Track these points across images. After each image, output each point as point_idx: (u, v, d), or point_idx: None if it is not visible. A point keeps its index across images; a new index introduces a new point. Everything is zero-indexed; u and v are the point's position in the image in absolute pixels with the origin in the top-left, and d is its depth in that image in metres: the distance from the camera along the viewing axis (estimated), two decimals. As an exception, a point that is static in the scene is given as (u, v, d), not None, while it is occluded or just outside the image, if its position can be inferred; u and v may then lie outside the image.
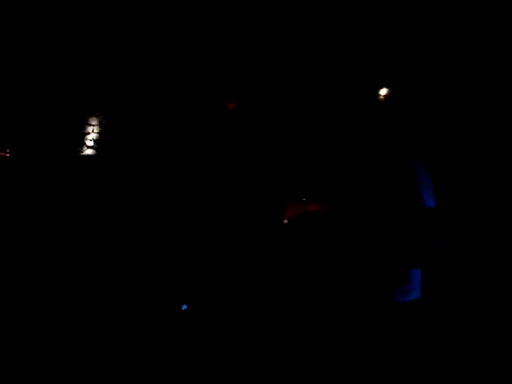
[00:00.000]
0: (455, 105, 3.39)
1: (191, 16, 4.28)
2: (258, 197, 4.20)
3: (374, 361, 1.82)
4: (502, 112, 3.23)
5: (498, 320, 2.87)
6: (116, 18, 4.25)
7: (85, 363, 2.73)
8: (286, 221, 4.22)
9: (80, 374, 2.60)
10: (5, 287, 3.44)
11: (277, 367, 2.71)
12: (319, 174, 4.13)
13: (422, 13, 3.62)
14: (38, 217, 3.79)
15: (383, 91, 3.69)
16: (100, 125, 4.21)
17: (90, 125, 4.19)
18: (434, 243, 1.68)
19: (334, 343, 2.88)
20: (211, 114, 4.36)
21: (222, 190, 4.22)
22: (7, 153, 3.79)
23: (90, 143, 4.17)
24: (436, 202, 1.86)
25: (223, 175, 4.24)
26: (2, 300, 3.36)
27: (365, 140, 3.84)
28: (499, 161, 3.14)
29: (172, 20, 4.29)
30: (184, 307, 3.94)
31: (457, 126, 3.35)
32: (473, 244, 3.08)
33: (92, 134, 4.18)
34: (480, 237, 3.05)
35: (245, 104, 4.26)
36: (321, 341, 2.98)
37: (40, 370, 2.62)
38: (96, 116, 4.21)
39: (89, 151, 4.12)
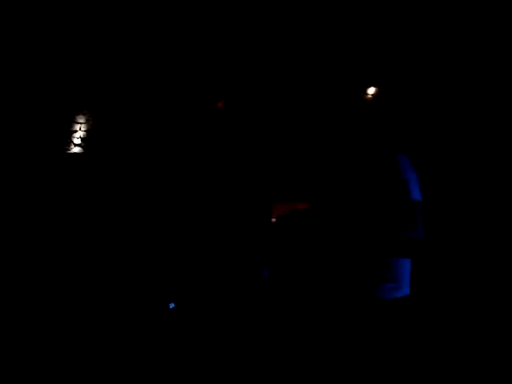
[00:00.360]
0: (439, 101, 3.17)
1: (181, 12, 4.08)
2: (245, 195, 4.05)
3: (364, 359, 1.79)
4: (486, 106, 3.00)
5: (489, 315, 2.76)
6: (103, 16, 4.14)
7: (80, 361, 2.82)
8: (273, 219, 4.04)
9: (77, 373, 2.69)
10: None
11: (265, 369, 2.69)
12: (307, 173, 3.89)
13: (410, 10, 3.26)
14: (25, 216, 3.89)
15: (371, 90, 3.42)
16: (87, 123, 4.18)
17: (78, 123, 4.18)
18: (421, 235, 1.62)
19: (324, 343, 2.83)
20: (200, 112, 4.21)
21: (209, 188, 4.11)
22: None
23: (77, 141, 4.16)
24: (423, 196, 1.80)
25: (211, 173, 4.11)
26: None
27: (352, 137, 3.56)
28: (485, 154, 2.92)
29: (160, 15, 4.12)
30: (172, 306, 3.95)
31: (442, 121, 3.15)
32: (462, 238, 2.88)
33: (79, 132, 4.17)
34: (469, 231, 2.85)
35: (233, 102, 4.07)
36: (310, 342, 2.94)
37: (40, 369, 2.74)
38: (83, 114, 4.18)
39: (76, 149, 4.13)
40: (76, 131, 4.17)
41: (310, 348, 2.58)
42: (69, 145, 4.12)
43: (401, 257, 1.77)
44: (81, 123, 4.19)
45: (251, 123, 4.04)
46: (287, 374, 2.40)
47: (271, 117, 3.98)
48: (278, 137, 4.04)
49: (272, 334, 3.25)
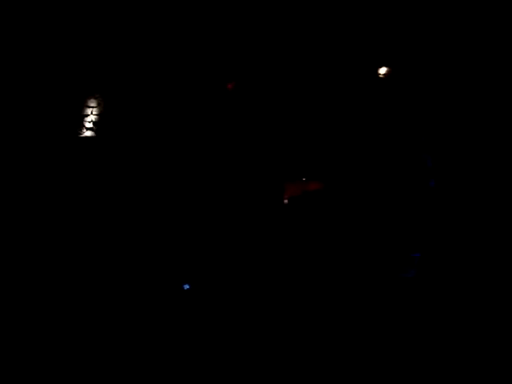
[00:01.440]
0: (451, 96, 3.15)
1: (188, 4, 4.04)
2: (257, 176, 4.05)
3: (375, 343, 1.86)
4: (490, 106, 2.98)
5: (494, 303, 2.77)
6: (112, 3, 4.11)
7: (84, 356, 2.87)
8: (286, 201, 4.05)
9: (79, 370, 2.73)
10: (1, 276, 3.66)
11: (281, 346, 2.73)
12: (319, 153, 3.88)
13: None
14: (38, 201, 3.93)
15: (382, 70, 3.38)
16: (99, 106, 4.19)
17: (89, 107, 4.19)
18: (433, 224, 1.70)
19: (338, 328, 2.89)
20: (211, 94, 4.19)
21: (221, 169, 4.12)
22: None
23: (89, 125, 4.18)
24: (436, 184, 1.85)
25: (222, 154, 4.11)
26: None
27: (364, 120, 3.55)
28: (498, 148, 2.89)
29: (169, 6, 4.08)
30: (186, 287, 3.99)
31: (455, 115, 3.14)
32: (470, 227, 2.88)
33: (91, 116, 4.18)
34: (477, 221, 2.85)
35: (244, 84, 4.05)
36: (324, 324, 2.99)
37: (40, 369, 2.78)
38: (95, 98, 4.18)
39: (88, 133, 4.15)
40: (88, 115, 4.17)
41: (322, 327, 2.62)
42: (81, 128, 4.13)
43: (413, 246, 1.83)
44: (92, 107, 4.19)
45: (263, 105, 4.02)
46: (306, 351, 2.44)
47: (284, 99, 3.96)
48: (290, 119, 4.02)
49: (287, 311, 3.29)
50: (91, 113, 4.20)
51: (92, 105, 4.20)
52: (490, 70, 3.23)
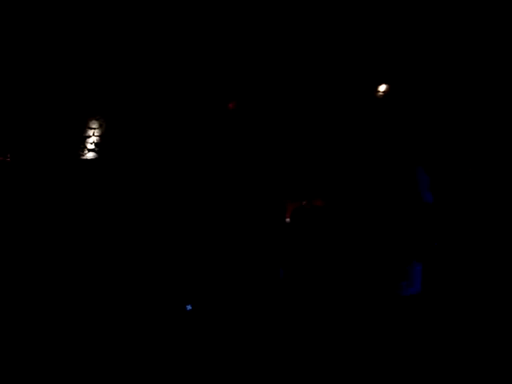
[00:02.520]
0: (450, 107, 3.21)
1: (190, 19, 4.11)
2: (260, 196, 4.06)
3: (377, 355, 1.83)
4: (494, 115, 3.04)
5: (498, 312, 2.76)
6: (116, 24, 4.18)
7: (86, 362, 2.82)
8: (288, 219, 4.06)
9: (81, 374, 2.69)
10: (7, 289, 3.63)
11: (280, 366, 2.70)
12: (319, 172, 3.91)
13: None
14: (40, 220, 3.92)
15: (382, 87, 3.44)
16: (101, 128, 4.22)
17: (91, 128, 4.22)
18: (434, 237, 1.69)
19: (338, 340, 2.85)
20: (213, 115, 4.23)
21: (223, 190, 4.13)
22: (8, 157, 3.92)
23: (91, 146, 4.20)
24: (435, 198, 1.85)
25: (225, 176, 4.13)
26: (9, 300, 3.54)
27: (365, 140, 3.59)
28: (497, 159, 2.93)
29: (171, 24, 4.15)
30: (189, 308, 3.96)
31: (453, 127, 3.18)
32: (471, 238, 2.89)
33: (93, 137, 4.21)
34: (478, 232, 2.86)
35: (246, 104, 4.09)
36: (325, 338, 2.96)
37: (40, 369, 2.74)
38: (96, 119, 4.22)
39: (90, 154, 4.17)
40: (90, 136, 4.20)
41: (323, 341, 2.60)
42: (83, 150, 4.16)
43: (415, 260, 1.83)
44: (94, 128, 4.22)
45: (266, 125, 4.05)
46: (301, 367, 2.42)
47: (286, 120, 4.00)
48: (293, 139, 4.06)
49: (288, 330, 3.26)
50: (93, 134, 4.23)
51: (94, 126, 4.23)
52: (484, 85, 3.28)
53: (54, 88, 4.18)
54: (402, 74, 3.54)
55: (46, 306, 3.45)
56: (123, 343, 3.07)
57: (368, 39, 3.66)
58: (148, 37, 4.26)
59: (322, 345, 2.92)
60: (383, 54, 3.64)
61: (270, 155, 4.01)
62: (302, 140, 3.99)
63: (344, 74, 3.82)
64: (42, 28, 4.11)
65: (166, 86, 4.29)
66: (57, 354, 2.85)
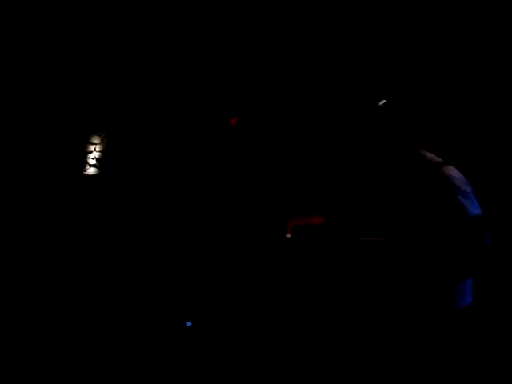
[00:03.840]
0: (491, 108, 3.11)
1: (191, 30, 4.14)
2: (261, 211, 4.05)
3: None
4: None
5: None
6: (117, 36, 4.21)
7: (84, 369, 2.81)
8: (289, 235, 4.04)
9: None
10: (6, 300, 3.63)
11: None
12: (321, 188, 3.89)
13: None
14: (41, 235, 3.93)
15: (381, 102, 3.40)
16: (102, 143, 4.23)
17: (92, 143, 4.23)
18: (487, 247, 1.58)
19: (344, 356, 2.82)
20: (214, 131, 4.24)
21: (224, 205, 4.12)
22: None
23: (92, 162, 4.21)
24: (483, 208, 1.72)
25: (226, 191, 4.13)
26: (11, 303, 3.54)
27: (364, 155, 3.56)
28: None
29: (173, 35, 4.18)
30: (189, 324, 3.94)
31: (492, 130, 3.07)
32: None
33: (94, 153, 4.22)
34: None
35: (247, 119, 4.10)
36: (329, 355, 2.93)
37: (40, 369, 2.73)
38: (98, 134, 4.23)
39: (92, 170, 4.18)
40: (91, 152, 4.22)
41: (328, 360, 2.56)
42: (84, 166, 4.17)
43: (467, 276, 1.72)
44: (96, 144, 4.24)
45: (267, 140, 4.05)
46: None
47: (287, 134, 3.99)
48: (292, 153, 4.05)
49: (289, 344, 3.23)
50: (94, 149, 4.25)
51: (95, 141, 4.25)
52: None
53: (55, 103, 4.21)
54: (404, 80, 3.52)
55: (37, 316, 3.45)
56: (120, 357, 3.05)
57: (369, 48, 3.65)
58: (150, 53, 4.29)
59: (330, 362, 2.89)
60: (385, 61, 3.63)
61: (272, 170, 4.00)
62: (305, 155, 3.98)
63: (346, 87, 3.82)
64: (43, 43, 4.14)
65: (168, 102, 4.31)
66: (50, 357, 2.84)
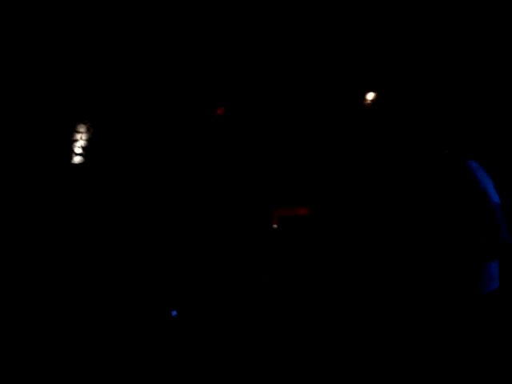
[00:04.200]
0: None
1: (179, 24, 4.13)
2: (246, 201, 4.09)
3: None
4: None
5: None
6: (102, 27, 4.17)
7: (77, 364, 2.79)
8: (275, 225, 4.10)
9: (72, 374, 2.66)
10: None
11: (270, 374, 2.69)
12: (307, 180, 3.95)
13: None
14: (26, 224, 3.88)
15: (370, 96, 3.48)
16: (88, 132, 4.20)
17: (79, 132, 4.20)
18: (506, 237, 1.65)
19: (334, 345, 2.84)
20: (200, 120, 4.24)
21: (210, 196, 4.14)
22: None
23: (78, 151, 4.18)
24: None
25: (212, 181, 4.15)
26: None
27: (349, 148, 3.63)
28: None
29: (160, 28, 4.16)
30: (174, 313, 3.96)
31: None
32: None
33: (80, 142, 4.19)
34: None
35: (234, 110, 4.11)
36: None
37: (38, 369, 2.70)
38: (84, 123, 4.20)
39: (77, 159, 4.15)
40: (77, 140, 4.19)
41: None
42: (70, 155, 4.14)
43: (488, 259, 1.78)
44: (82, 132, 4.21)
45: (253, 131, 4.08)
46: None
47: (273, 125, 4.03)
48: (278, 144, 4.09)
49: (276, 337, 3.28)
50: (80, 138, 4.22)
51: (81, 130, 4.22)
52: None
53: (41, 91, 4.16)
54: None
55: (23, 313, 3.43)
56: (106, 347, 3.05)
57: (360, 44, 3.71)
58: (135, 41, 4.27)
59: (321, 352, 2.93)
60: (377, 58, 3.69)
61: (257, 162, 4.04)
62: (290, 146, 4.03)
63: (332, 79, 3.88)
64: (27, 30, 4.08)
65: (154, 90, 4.30)
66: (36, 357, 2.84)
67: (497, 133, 3.32)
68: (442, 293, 1.89)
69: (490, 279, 1.84)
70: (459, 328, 1.83)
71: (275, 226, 4.08)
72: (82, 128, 4.21)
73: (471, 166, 1.82)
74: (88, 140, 4.20)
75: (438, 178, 1.94)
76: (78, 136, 4.21)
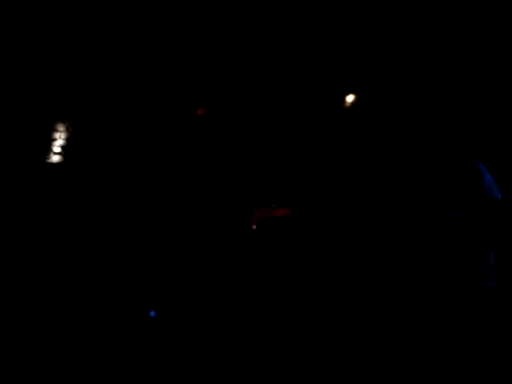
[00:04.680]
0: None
1: (164, 22, 4.09)
2: (226, 201, 4.05)
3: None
4: None
5: None
6: (84, 20, 4.14)
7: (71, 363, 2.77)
8: (254, 226, 4.05)
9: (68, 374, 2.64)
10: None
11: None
12: (287, 180, 3.91)
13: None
14: (2, 225, 3.85)
15: (350, 98, 3.44)
16: (67, 131, 4.16)
17: (57, 131, 4.16)
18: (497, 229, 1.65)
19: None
20: (181, 119, 4.21)
21: (190, 195, 4.10)
22: None
23: (57, 150, 4.15)
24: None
25: (191, 181, 4.11)
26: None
27: (331, 147, 3.58)
28: None
29: (144, 25, 4.13)
30: (152, 314, 3.92)
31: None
32: None
33: (59, 141, 4.16)
34: None
35: (215, 109, 4.08)
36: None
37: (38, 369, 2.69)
38: (63, 122, 4.16)
39: (56, 158, 4.11)
40: (56, 139, 4.15)
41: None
42: (48, 153, 4.10)
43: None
44: (60, 131, 4.17)
45: (232, 130, 4.05)
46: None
47: (253, 124, 3.99)
48: (258, 143, 4.05)
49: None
50: (59, 137, 4.18)
51: (60, 129, 4.18)
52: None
53: (19, 88, 4.13)
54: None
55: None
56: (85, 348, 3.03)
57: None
58: (118, 38, 4.23)
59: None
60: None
61: (237, 161, 4.00)
62: (270, 146, 3.99)
63: (312, 80, 3.83)
64: (8, 27, 4.06)
65: (134, 88, 4.27)
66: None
67: (498, 133, 3.29)
68: (441, 286, 1.89)
69: (489, 273, 1.83)
70: (459, 323, 1.82)
71: (254, 227, 4.03)
72: (60, 127, 4.17)
73: (479, 168, 1.86)
74: (67, 139, 4.16)
75: (439, 176, 1.95)
76: (57, 135, 4.17)
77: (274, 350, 3.01)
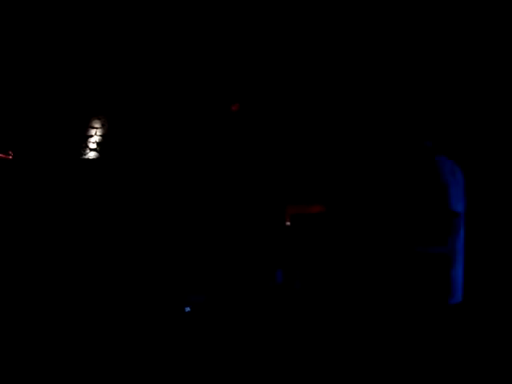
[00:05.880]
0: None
1: (191, 19, 4.09)
2: (260, 198, 4.04)
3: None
4: None
5: None
6: (118, 23, 4.17)
7: (84, 363, 2.81)
8: (288, 223, 4.04)
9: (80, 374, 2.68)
10: (7, 287, 3.65)
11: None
12: (321, 177, 3.88)
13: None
14: (41, 219, 3.94)
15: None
16: (103, 127, 4.22)
17: (93, 127, 4.22)
18: (450, 250, 1.61)
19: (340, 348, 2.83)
20: (214, 116, 4.21)
21: (224, 192, 4.11)
22: (10, 155, 3.93)
23: (93, 146, 4.20)
24: (469, 201, 1.74)
25: (225, 178, 4.11)
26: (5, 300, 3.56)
27: (374, 138, 3.54)
28: None
29: (173, 23, 4.13)
30: (187, 309, 3.97)
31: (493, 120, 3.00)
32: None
33: (95, 137, 4.21)
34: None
35: (248, 106, 4.06)
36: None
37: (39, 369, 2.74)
38: (99, 118, 4.22)
39: (92, 154, 4.17)
40: (92, 136, 4.20)
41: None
42: (84, 150, 4.16)
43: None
44: (96, 128, 4.23)
45: (267, 127, 4.03)
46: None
47: (287, 121, 3.96)
48: (292, 140, 4.02)
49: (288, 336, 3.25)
50: (95, 133, 4.23)
51: (96, 125, 4.23)
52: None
53: (56, 86, 4.18)
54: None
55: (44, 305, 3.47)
56: (118, 344, 3.07)
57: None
58: (150, 37, 4.25)
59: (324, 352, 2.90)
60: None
61: (272, 158, 3.98)
62: (304, 143, 3.95)
63: (349, 79, 3.78)
64: (43, 27, 4.11)
65: (169, 86, 4.28)
66: (53, 352, 2.86)
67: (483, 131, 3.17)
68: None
69: (455, 290, 1.77)
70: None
71: (288, 223, 4.02)
72: (96, 123, 4.22)
73: (440, 164, 1.73)
74: (103, 135, 4.21)
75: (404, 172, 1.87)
76: (93, 131, 4.23)
77: (306, 341, 3.01)
